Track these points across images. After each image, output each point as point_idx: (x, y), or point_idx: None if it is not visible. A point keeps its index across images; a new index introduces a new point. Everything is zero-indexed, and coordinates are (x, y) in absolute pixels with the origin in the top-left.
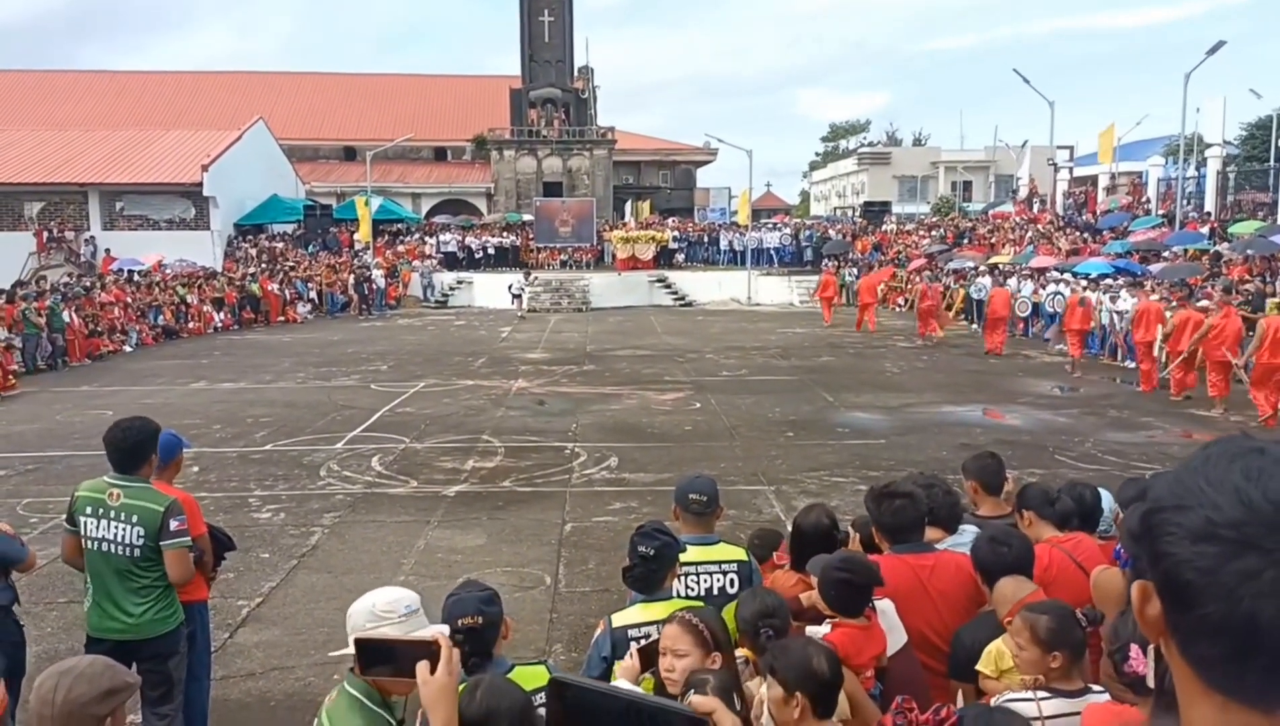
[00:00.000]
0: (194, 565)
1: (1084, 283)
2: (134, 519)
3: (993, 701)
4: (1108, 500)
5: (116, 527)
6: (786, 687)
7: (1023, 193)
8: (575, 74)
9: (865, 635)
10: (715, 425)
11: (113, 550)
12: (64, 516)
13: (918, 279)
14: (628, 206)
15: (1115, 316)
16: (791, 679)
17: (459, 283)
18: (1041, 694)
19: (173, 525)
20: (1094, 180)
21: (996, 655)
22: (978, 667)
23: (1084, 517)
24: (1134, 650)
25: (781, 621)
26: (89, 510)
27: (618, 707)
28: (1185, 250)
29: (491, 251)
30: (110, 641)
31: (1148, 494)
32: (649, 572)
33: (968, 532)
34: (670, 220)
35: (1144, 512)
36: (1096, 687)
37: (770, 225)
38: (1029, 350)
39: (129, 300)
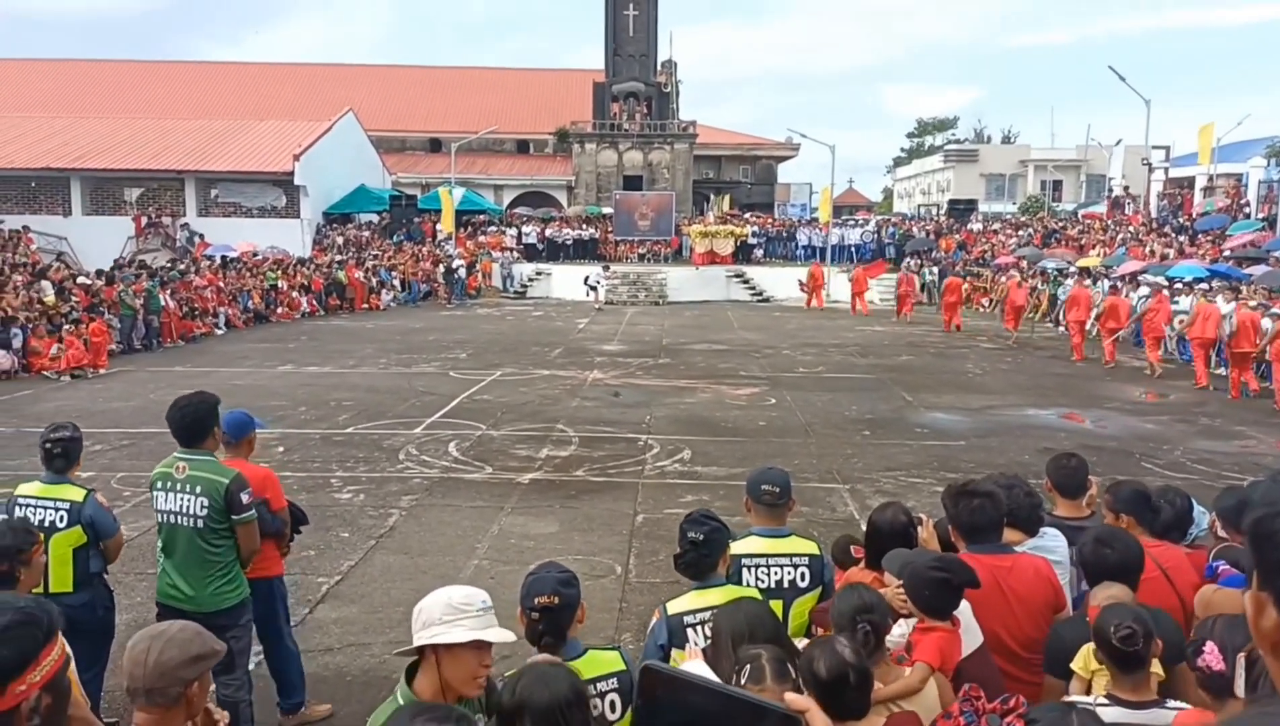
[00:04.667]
0: (273, 536)
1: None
2: (198, 489)
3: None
4: (1197, 508)
5: (183, 499)
6: (807, 688)
7: (1116, 192)
8: (658, 68)
9: (955, 640)
10: (790, 421)
11: (180, 522)
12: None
13: (1003, 278)
14: (710, 201)
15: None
16: (807, 680)
17: (538, 274)
18: (1101, 700)
19: (244, 499)
20: (1190, 181)
21: (1087, 655)
22: (1072, 665)
23: (1174, 527)
24: (1209, 646)
25: (880, 617)
26: (160, 484)
27: (706, 700)
28: None
29: (570, 243)
30: (173, 610)
31: (1253, 499)
32: (700, 558)
33: (1049, 535)
34: (749, 215)
35: (1257, 519)
36: (1173, 702)
37: (852, 222)
38: (1121, 355)
39: (221, 284)
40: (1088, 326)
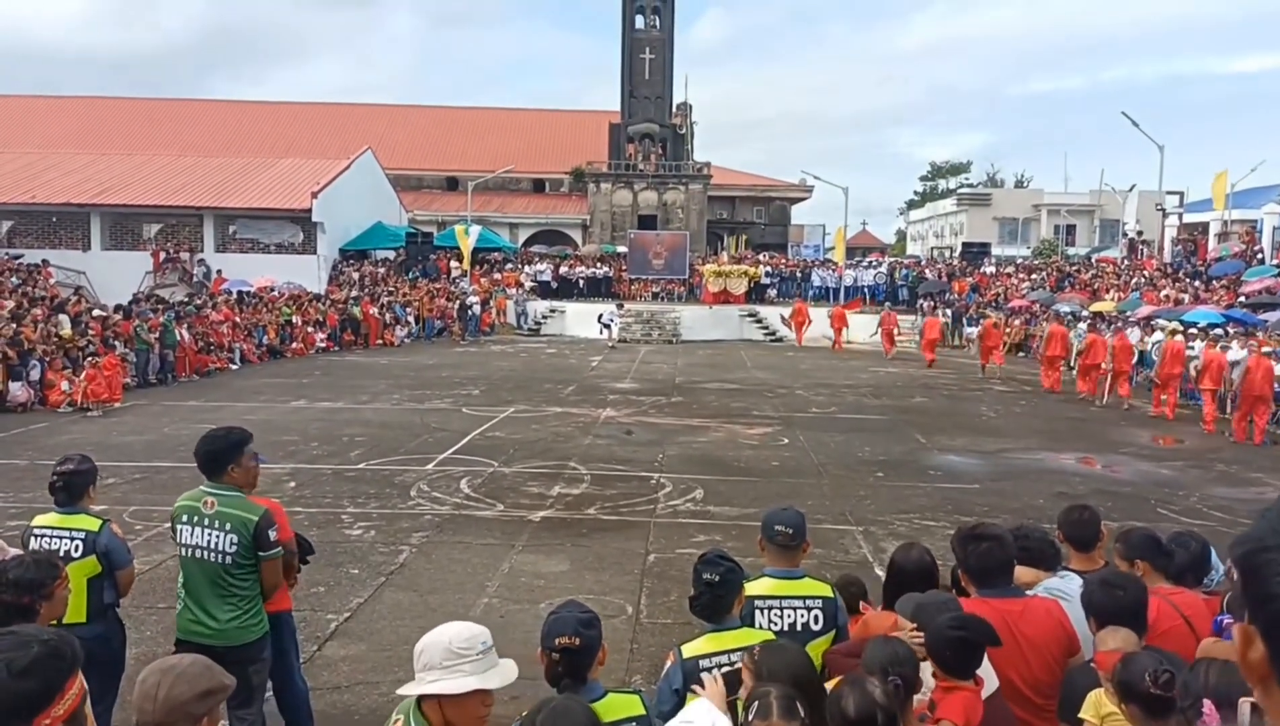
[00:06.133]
0: (283, 571)
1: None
2: (227, 526)
3: None
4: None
5: (210, 534)
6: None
7: (1130, 236)
8: (673, 110)
9: (979, 700)
10: (803, 462)
11: (205, 557)
12: (170, 530)
13: (1016, 321)
14: (724, 241)
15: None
16: (834, 718)
17: (552, 311)
18: None
19: (271, 535)
20: (1204, 227)
21: (1097, 702)
22: (1080, 715)
23: (1190, 570)
24: (1207, 705)
25: (911, 670)
26: (184, 518)
27: None
28: None
29: (582, 283)
30: (196, 645)
31: (1248, 534)
32: (715, 600)
33: (1066, 577)
34: (762, 256)
35: (1246, 553)
36: None
37: (866, 263)
38: (1135, 399)
39: (236, 319)
40: (1071, 363)
